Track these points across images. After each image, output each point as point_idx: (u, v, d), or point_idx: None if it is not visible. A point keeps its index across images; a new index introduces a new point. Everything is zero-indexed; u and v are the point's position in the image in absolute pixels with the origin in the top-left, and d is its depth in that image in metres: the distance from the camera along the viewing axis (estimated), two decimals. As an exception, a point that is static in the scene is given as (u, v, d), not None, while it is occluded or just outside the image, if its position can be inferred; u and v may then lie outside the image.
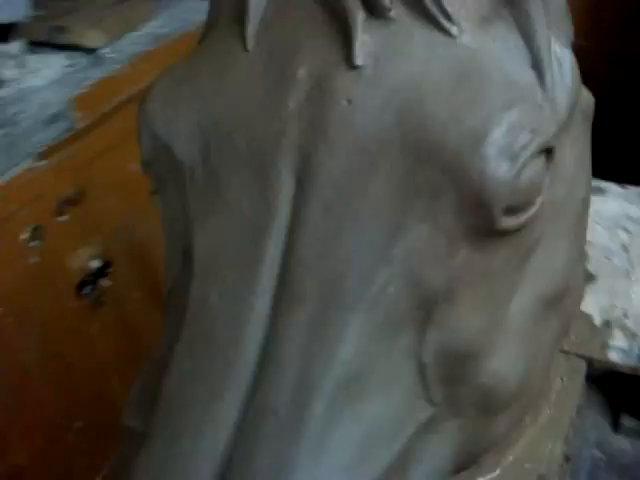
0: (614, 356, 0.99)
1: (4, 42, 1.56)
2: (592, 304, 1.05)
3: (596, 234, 1.18)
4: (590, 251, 1.14)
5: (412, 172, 0.47)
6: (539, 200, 0.50)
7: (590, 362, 0.94)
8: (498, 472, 0.68)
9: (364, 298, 0.46)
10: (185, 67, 0.56)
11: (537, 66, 0.52)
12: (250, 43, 0.52)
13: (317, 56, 0.49)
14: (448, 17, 0.48)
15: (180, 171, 0.53)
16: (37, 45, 1.68)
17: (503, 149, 0.46)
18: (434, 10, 0.48)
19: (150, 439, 0.47)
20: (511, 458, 0.69)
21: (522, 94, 0.49)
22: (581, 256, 0.65)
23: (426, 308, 0.49)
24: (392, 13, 0.48)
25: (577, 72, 0.57)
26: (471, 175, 0.46)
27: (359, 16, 0.48)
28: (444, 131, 0.46)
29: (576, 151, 0.58)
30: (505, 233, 0.50)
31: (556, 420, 0.76)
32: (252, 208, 0.49)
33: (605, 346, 1.00)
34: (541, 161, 0.49)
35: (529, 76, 0.52)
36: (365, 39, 0.48)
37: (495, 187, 0.46)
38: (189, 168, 0.53)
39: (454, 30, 0.48)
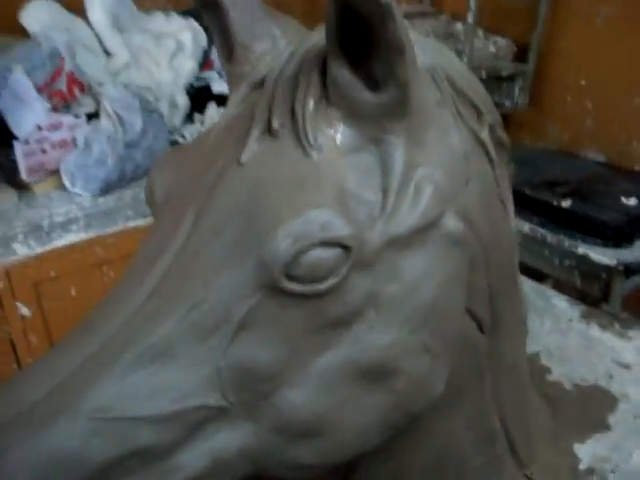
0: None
1: None
2: (590, 450, 1.13)
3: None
4: (622, 405, 1.23)
5: (242, 232, 0.67)
6: (331, 280, 0.65)
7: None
8: None
9: (185, 303, 0.66)
10: (173, 152, 0.86)
11: (385, 190, 0.69)
12: (197, 149, 0.79)
13: (229, 152, 0.72)
14: (310, 143, 0.68)
15: (154, 204, 0.80)
16: None
17: (290, 233, 0.63)
18: (303, 138, 0.68)
19: None
20: None
21: (336, 201, 0.66)
22: (427, 352, 0.75)
23: (230, 327, 0.66)
24: (279, 134, 0.69)
25: (436, 205, 0.71)
26: (265, 242, 0.64)
27: (254, 133, 0.70)
28: (265, 212, 0.66)
29: (425, 264, 0.72)
30: (297, 295, 0.66)
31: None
32: (168, 230, 0.73)
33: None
34: (331, 251, 0.65)
35: (372, 193, 0.69)
36: (253, 147, 0.70)
37: (273, 254, 0.64)
38: (157, 204, 0.80)
39: (313, 153, 0.68)
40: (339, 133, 0.70)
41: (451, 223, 0.73)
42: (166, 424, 0.66)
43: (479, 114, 0.80)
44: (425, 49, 0.77)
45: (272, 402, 0.69)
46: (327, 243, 0.64)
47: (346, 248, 0.65)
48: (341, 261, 0.66)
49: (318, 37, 0.71)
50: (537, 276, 2.09)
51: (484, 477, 1.03)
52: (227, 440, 0.69)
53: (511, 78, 3.00)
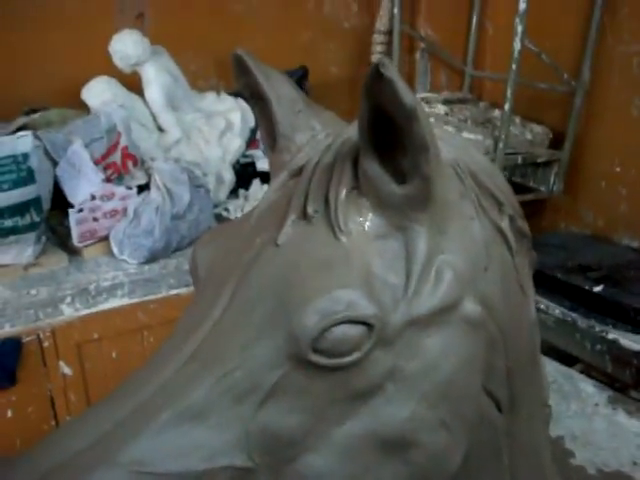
0: None
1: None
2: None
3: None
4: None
5: (275, 307, 0.73)
6: (355, 355, 0.71)
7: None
8: None
9: (220, 370, 0.72)
10: (216, 229, 0.96)
11: (407, 274, 0.75)
12: (238, 229, 0.86)
13: (267, 234, 0.79)
14: (340, 229, 0.75)
15: (197, 277, 0.88)
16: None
17: (318, 310, 0.70)
18: (335, 224, 0.75)
19: None
20: None
21: (363, 283, 0.73)
22: (444, 427, 0.79)
23: (259, 394, 0.72)
24: (313, 219, 0.77)
25: (456, 289, 0.77)
26: (295, 317, 0.71)
27: (290, 217, 0.77)
28: (296, 290, 0.72)
29: (444, 344, 0.77)
30: (323, 367, 0.71)
31: None
32: (208, 303, 0.79)
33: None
34: (356, 328, 0.70)
35: (396, 277, 0.75)
36: (289, 231, 0.77)
37: (301, 329, 0.70)
38: (199, 278, 0.87)
39: (343, 237, 0.75)
40: (368, 221, 0.77)
41: (469, 307, 0.79)
42: None
43: (500, 205, 0.86)
44: (450, 144, 0.83)
45: (295, 467, 0.74)
46: (352, 321, 0.70)
47: (370, 326, 0.71)
48: (364, 338, 0.71)
49: (353, 131, 0.78)
50: (568, 360, 2.10)
51: None
52: None
53: (547, 164, 3.05)
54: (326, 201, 0.78)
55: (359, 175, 0.77)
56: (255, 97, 0.92)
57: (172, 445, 0.71)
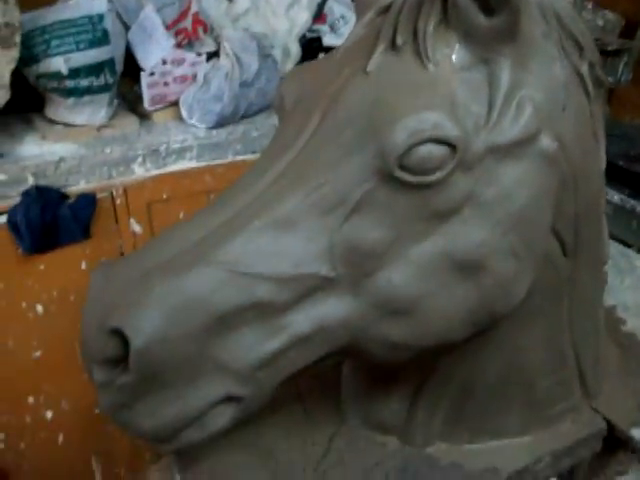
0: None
1: None
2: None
3: None
4: None
5: (363, 127, 0.78)
6: (438, 174, 0.76)
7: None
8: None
9: (309, 185, 0.79)
10: (302, 66, 1.01)
11: (490, 104, 0.79)
12: (324, 64, 0.93)
13: (355, 64, 0.83)
14: (428, 58, 0.79)
15: (283, 110, 0.93)
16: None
17: (406, 127, 0.75)
18: (423, 53, 0.79)
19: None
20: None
21: (448, 107, 0.76)
22: (514, 256, 0.84)
23: (346, 207, 0.78)
24: (401, 50, 0.81)
25: (534, 123, 0.81)
26: (383, 134, 0.76)
27: (380, 48, 0.82)
28: (385, 110, 0.77)
29: (520, 175, 0.82)
30: (407, 184, 0.77)
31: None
32: (296, 129, 0.85)
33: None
34: (440, 148, 0.75)
35: (479, 106, 0.78)
36: (378, 59, 0.81)
37: (390, 145, 0.75)
38: (286, 109, 0.92)
39: (430, 66, 0.78)
40: (454, 52, 0.80)
41: (546, 142, 0.82)
42: (282, 285, 0.78)
43: (581, 50, 0.87)
44: None
45: (373, 280, 0.81)
46: (437, 140, 0.75)
47: (453, 148, 0.75)
48: (448, 158, 0.76)
49: None
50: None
51: (551, 399, 1.11)
52: (332, 309, 0.81)
53: (616, 53, 2.97)
54: (415, 33, 0.81)
55: (448, 7, 0.79)
56: None
57: (264, 250, 0.78)
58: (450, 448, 1.09)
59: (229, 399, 0.81)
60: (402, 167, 0.76)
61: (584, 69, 0.88)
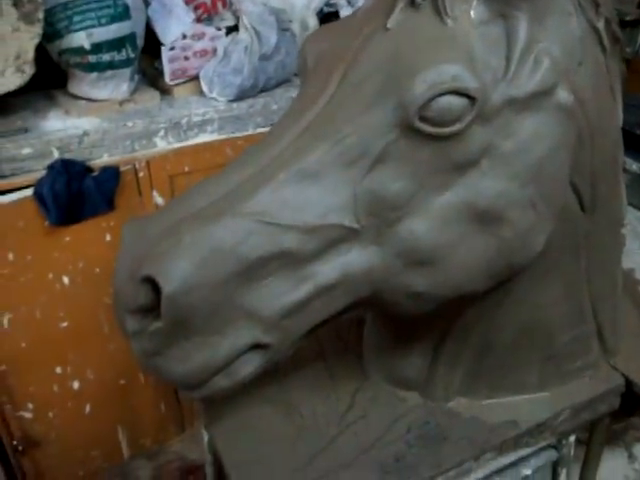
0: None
1: None
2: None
3: None
4: None
5: (384, 80, 0.80)
6: (457, 126, 0.78)
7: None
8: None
9: (332, 138, 0.81)
10: (323, 27, 1.04)
11: (507, 58, 0.80)
12: (345, 25, 0.97)
13: (376, 22, 0.84)
14: (447, 14, 0.79)
15: (306, 69, 0.94)
16: None
17: (426, 79, 0.76)
18: (442, 9, 0.79)
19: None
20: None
21: (467, 60, 0.78)
22: (533, 207, 0.86)
23: (369, 159, 0.81)
24: (420, 6, 0.82)
25: (551, 76, 0.83)
26: (404, 87, 0.78)
27: (400, 5, 0.83)
28: (407, 64, 0.78)
29: (538, 127, 0.83)
30: (427, 135, 0.79)
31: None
32: (318, 86, 0.88)
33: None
34: (459, 100, 0.77)
35: (496, 59, 0.80)
36: (398, 17, 0.82)
37: (410, 97, 0.77)
38: (308, 69, 0.94)
39: (449, 21, 0.79)
40: (472, 7, 0.82)
41: (563, 95, 0.84)
42: (308, 235, 0.81)
43: (597, 6, 0.89)
44: None
45: (396, 230, 0.83)
46: (457, 92, 0.77)
47: (472, 99, 0.78)
48: (467, 110, 0.78)
49: None
50: (641, 216, 2.12)
51: (570, 355, 1.13)
52: (356, 259, 0.84)
53: (635, 24, 2.95)
54: None
55: None
56: None
57: (290, 200, 0.80)
58: (470, 403, 1.12)
59: (256, 347, 0.84)
60: (422, 118, 0.78)
61: (600, 25, 0.89)
